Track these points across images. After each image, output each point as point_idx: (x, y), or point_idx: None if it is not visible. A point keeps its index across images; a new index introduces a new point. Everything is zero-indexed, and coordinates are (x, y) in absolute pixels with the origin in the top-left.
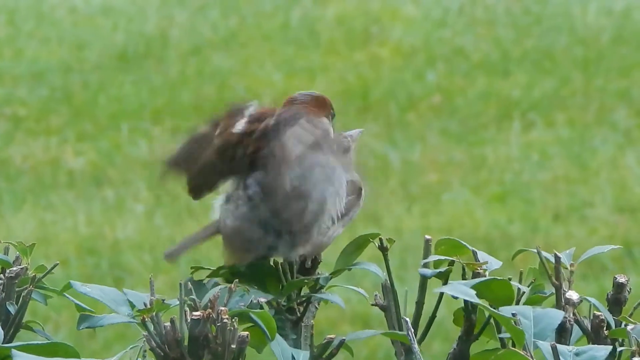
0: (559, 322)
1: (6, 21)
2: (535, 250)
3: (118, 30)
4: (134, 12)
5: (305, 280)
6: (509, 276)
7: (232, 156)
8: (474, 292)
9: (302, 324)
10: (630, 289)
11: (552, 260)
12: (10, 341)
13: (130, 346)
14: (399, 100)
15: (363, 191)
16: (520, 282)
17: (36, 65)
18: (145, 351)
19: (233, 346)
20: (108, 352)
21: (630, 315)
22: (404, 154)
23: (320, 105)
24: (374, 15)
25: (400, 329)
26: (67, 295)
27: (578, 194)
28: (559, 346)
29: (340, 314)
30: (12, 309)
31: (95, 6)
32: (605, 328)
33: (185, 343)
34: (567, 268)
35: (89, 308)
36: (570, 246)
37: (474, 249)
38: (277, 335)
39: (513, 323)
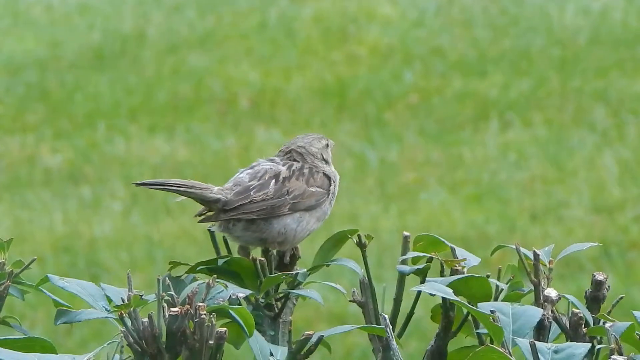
0: (538, 320)
1: None
2: (515, 247)
3: (94, 29)
4: (110, 10)
5: (283, 276)
6: (487, 274)
7: None
8: (451, 290)
9: (280, 320)
10: (608, 286)
11: (531, 257)
12: None
13: (108, 342)
14: (376, 99)
15: (332, 184)
16: (498, 279)
17: (12, 63)
18: (122, 347)
19: (211, 342)
20: (84, 349)
21: (609, 313)
22: (382, 153)
23: None
24: (351, 15)
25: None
26: (44, 290)
27: (555, 194)
28: (538, 343)
29: (317, 313)
30: None
31: (72, 4)
32: (583, 326)
33: (163, 339)
34: (545, 265)
35: (66, 304)
36: (547, 246)
37: (452, 245)
38: (255, 332)
39: (492, 320)
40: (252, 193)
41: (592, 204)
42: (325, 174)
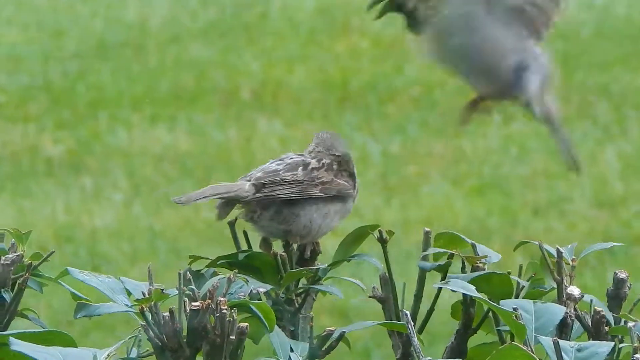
0: (561, 318)
1: None
2: (537, 243)
3: (97, 18)
4: None
5: (304, 272)
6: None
7: None
8: (473, 287)
9: (300, 315)
10: (630, 285)
11: (551, 253)
12: (5, 329)
13: (129, 336)
14: (379, 91)
15: (357, 184)
16: (519, 276)
17: (15, 52)
18: (140, 341)
19: (232, 337)
20: (85, 340)
21: (630, 312)
22: (384, 146)
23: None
24: (354, 6)
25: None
26: (64, 284)
27: (557, 188)
28: (561, 342)
29: (318, 306)
30: (7, 296)
31: None
32: (605, 324)
33: (184, 333)
34: (568, 263)
35: (84, 297)
36: (550, 240)
37: (473, 242)
38: (276, 327)
39: (514, 317)
40: (281, 172)
41: (594, 198)
42: (351, 175)
